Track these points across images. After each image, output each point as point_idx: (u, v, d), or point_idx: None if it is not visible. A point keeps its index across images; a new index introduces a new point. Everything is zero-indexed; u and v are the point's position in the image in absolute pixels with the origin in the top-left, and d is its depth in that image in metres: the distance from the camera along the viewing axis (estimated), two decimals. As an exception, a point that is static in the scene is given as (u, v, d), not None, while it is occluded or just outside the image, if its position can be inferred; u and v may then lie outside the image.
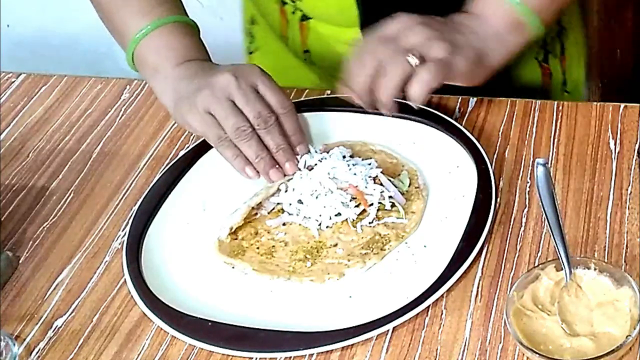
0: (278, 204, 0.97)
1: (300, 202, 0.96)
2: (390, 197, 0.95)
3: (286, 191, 0.97)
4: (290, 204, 0.96)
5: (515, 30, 1.00)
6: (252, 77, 0.99)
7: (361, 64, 0.97)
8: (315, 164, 0.97)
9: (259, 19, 1.27)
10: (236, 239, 0.96)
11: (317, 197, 0.95)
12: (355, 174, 0.96)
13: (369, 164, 0.98)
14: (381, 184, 0.95)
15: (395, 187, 0.96)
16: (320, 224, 0.95)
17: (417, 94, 0.95)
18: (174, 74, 1.03)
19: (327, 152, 0.99)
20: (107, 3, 1.09)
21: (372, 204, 0.95)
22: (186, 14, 1.10)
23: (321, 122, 1.06)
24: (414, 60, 0.94)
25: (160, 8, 1.06)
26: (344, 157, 0.98)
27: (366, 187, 0.95)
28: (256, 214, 0.98)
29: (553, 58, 1.19)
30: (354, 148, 1.02)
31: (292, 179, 0.98)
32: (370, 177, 0.96)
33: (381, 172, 0.97)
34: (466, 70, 0.97)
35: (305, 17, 1.16)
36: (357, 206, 0.95)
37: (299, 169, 0.98)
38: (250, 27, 1.31)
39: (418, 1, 1.03)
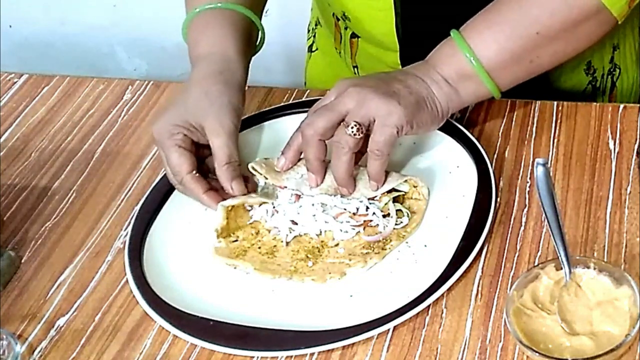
0: (275, 227, 0.96)
1: (295, 223, 0.95)
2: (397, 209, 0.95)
3: (272, 215, 0.96)
4: (279, 230, 0.95)
5: (465, 80, 0.95)
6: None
7: (296, 139, 0.95)
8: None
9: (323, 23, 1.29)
10: (236, 240, 0.96)
11: (315, 220, 0.95)
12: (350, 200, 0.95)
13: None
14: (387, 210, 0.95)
15: (396, 190, 0.96)
16: (319, 233, 0.95)
17: (376, 172, 0.93)
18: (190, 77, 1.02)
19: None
20: None
21: (388, 214, 0.95)
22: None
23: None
24: (352, 131, 0.90)
25: None
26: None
27: (374, 214, 0.94)
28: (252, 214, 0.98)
29: (601, 95, 1.16)
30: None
31: (275, 204, 0.96)
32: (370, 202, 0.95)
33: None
34: (408, 115, 0.91)
35: (354, 35, 1.17)
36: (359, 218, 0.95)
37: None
38: (315, 27, 1.32)
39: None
